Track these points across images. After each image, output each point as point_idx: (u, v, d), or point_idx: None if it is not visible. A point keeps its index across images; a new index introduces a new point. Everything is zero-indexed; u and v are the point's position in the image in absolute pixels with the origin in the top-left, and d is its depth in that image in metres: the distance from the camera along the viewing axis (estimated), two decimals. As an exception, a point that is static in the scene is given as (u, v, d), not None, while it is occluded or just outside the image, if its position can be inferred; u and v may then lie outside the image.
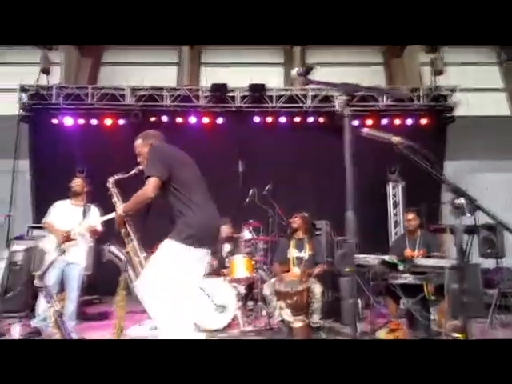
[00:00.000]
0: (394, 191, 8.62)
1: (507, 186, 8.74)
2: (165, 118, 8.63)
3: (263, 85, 8.67)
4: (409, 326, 4.26)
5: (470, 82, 9.44)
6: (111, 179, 3.17)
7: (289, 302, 4.41)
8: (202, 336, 4.39)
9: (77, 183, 4.64)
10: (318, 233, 5.84)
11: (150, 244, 3.07)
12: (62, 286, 4.34)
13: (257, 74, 9.45)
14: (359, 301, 5.09)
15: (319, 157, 8.41)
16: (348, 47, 9.70)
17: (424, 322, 4.02)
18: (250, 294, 5.72)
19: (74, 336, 2.92)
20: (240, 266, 5.15)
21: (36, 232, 6.83)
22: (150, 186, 2.64)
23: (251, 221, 6.04)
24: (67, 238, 4.24)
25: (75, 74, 9.61)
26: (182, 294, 2.66)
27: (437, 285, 3.90)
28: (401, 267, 4.04)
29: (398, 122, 8.71)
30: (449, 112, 8.70)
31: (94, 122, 8.67)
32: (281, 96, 8.75)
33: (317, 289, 4.47)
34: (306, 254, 4.98)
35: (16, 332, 4.18)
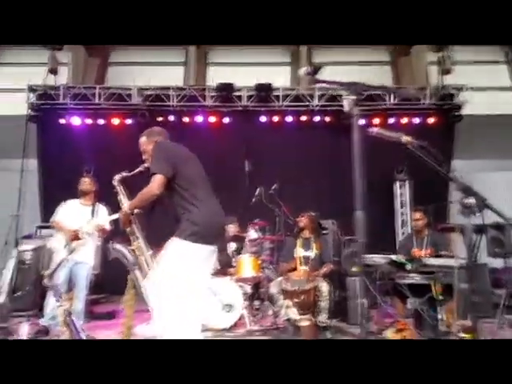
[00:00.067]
0: (401, 190, 8.60)
1: (515, 185, 8.67)
2: (171, 118, 8.64)
3: (270, 84, 8.65)
4: (416, 326, 4.23)
5: (478, 80, 9.37)
6: (117, 177, 3.19)
7: (295, 300, 4.40)
8: (209, 335, 4.45)
9: (85, 182, 4.67)
10: (324, 232, 5.83)
11: (155, 242, 3.08)
12: (69, 285, 4.37)
13: (263, 74, 9.44)
14: (365, 300, 5.06)
15: (326, 156, 8.41)
16: (355, 46, 9.65)
17: (431, 321, 4.00)
18: (257, 294, 5.72)
19: (83, 335, 2.93)
20: (246, 265, 5.15)
21: (44, 231, 6.88)
22: (155, 183, 2.65)
23: (257, 220, 6.04)
24: (75, 237, 4.26)
25: (83, 74, 9.66)
26: (189, 292, 2.65)
27: (444, 284, 3.89)
28: (408, 267, 4.02)
29: (405, 120, 8.67)
30: (456, 111, 8.65)
31: (101, 121, 8.71)
32: (287, 95, 8.73)
33: (324, 287, 4.46)
34: (312, 253, 4.97)
35: (24, 331, 4.21)
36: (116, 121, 8.68)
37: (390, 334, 4.14)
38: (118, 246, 2.88)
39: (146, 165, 3.02)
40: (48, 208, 7.46)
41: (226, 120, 8.81)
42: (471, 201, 1.82)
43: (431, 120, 8.67)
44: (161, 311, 2.60)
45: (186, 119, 8.72)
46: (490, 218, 2.13)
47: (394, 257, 4.12)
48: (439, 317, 4.09)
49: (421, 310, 4.02)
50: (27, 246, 6.29)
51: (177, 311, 2.57)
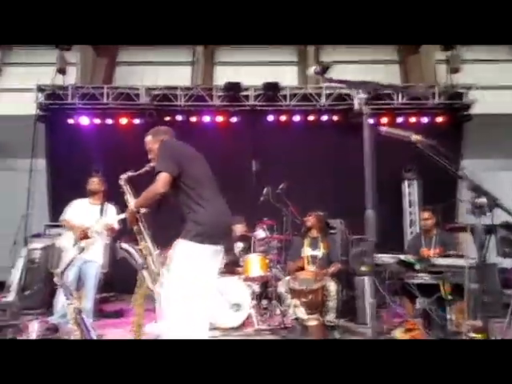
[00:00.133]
0: (410, 190, 8.55)
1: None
2: (179, 118, 8.65)
3: (277, 83, 8.63)
4: (425, 326, 4.22)
5: (487, 79, 9.28)
6: (123, 176, 3.17)
7: (303, 300, 4.40)
8: (217, 334, 4.45)
9: (93, 182, 4.70)
10: (332, 232, 5.82)
11: (162, 241, 3.07)
12: (78, 284, 4.39)
13: (270, 73, 9.44)
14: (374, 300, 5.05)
15: (333, 155, 8.37)
16: (363, 46, 9.60)
17: (440, 321, 3.98)
18: (264, 293, 5.73)
19: (93, 333, 2.95)
20: (254, 264, 5.16)
21: (53, 230, 6.92)
22: (160, 182, 2.64)
23: (265, 219, 6.05)
24: (84, 236, 4.29)
25: (91, 73, 9.69)
26: (198, 293, 2.65)
27: (453, 284, 3.86)
28: (417, 266, 4.01)
29: (413, 120, 8.61)
30: (465, 110, 8.58)
31: (109, 121, 8.74)
32: (295, 94, 8.70)
33: (332, 287, 4.46)
34: (320, 252, 4.97)
35: (34, 328, 4.24)
36: (124, 120, 8.70)
37: (398, 334, 4.13)
38: (125, 246, 2.88)
39: (152, 164, 3.00)
40: (56, 207, 7.51)
41: (234, 119, 8.80)
42: (483, 200, 1.80)
43: (439, 119, 8.60)
44: (170, 312, 2.60)
45: (193, 119, 8.72)
46: (499, 217, 2.11)
47: (402, 256, 4.11)
48: (448, 317, 4.07)
49: (429, 309, 4.00)
50: (36, 245, 6.33)
51: (185, 312, 2.57)
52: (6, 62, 10.72)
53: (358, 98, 1.68)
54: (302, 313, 4.37)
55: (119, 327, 4.97)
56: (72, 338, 2.92)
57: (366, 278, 5.04)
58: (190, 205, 2.70)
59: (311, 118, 8.76)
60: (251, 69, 10.04)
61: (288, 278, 4.80)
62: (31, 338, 4.09)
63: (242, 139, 8.45)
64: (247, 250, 5.79)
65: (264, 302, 5.74)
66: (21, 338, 3.79)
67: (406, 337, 4.04)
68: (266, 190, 5.86)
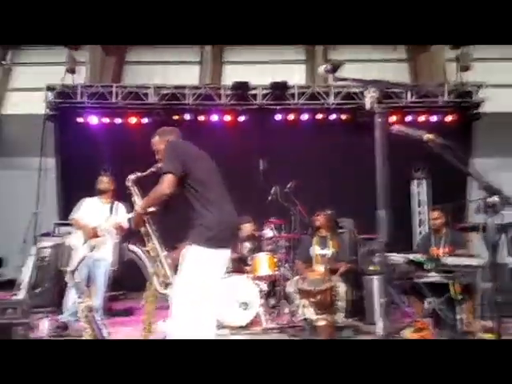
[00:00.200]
0: (419, 189, 8.51)
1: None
2: (187, 117, 8.68)
3: (285, 82, 8.62)
4: (434, 326, 4.19)
5: (497, 77, 9.19)
6: (130, 177, 3.15)
7: (312, 300, 4.39)
8: (225, 332, 4.46)
9: (103, 181, 4.72)
10: (341, 231, 5.80)
11: (170, 242, 3.06)
12: (88, 282, 4.41)
13: (278, 72, 9.43)
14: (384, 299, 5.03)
15: (342, 154, 8.33)
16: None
17: (450, 321, 3.95)
18: (273, 292, 5.73)
19: (105, 331, 2.96)
20: (263, 263, 5.16)
21: (63, 229, 6.95)
22: (166, 183, 2.62)
23: (273, 218, 6.04)
24: (94, 234, 4.31)
25: (100, 73, 9.74)
26: (206, 296, 2.63)
27: (463, 284, 3.84)
28: (427, 266, 3.99)
29: (422, 118, 8.56)
30: (475, 108, 8.51)
31: (118, 120, 8.79)
32: (303, 93, 8.68)
33: (341, 287, 4.45)
34: (329, 251, 4.96)
35: (44, 326, 4.28)
36: (133, 120, 8.73)
37: (408, 334, 4.10)
38: (133, 248, 2.86)
39: (158, 165, 2.98)
40: (66, 206, 7.56)
41: (242, 118, 8.81)
42: (495, 199, 1.79)
43: (449, 118, 8.54)
44: (178, 315, 2.59)
45: (201, 118, 8.74)
46: (508, 217, 2.09)
47: (412, 256, 4.09)
48: (458, 317, 4.04)
49: (439, 309, 3.98)
50: (46, 244, 6.36)
51: (193, 316, 2.55)
52: (15, 62, 10.84)
53: (370, 97, 1.67)
54: (311, 313, 4.36)
55: (128, 325, 5.00)
56: (83, 335, 2.94)
57: (375, 278, 5.03)
58: (197, 208, 2.68)
59: (319, 116, 8.74)
60: (259, 68, 10.05)
61: (297, 278, 4.79)
62: (41, 335, 4.13)
63: (249, 138, 8.44)
64: (255, 249, 5.78)
65: (272, 301, 5.73)
66: (32, 337, 3.81)
67: (416, 336, 4.01)
68: (274, 189, 5.86)
